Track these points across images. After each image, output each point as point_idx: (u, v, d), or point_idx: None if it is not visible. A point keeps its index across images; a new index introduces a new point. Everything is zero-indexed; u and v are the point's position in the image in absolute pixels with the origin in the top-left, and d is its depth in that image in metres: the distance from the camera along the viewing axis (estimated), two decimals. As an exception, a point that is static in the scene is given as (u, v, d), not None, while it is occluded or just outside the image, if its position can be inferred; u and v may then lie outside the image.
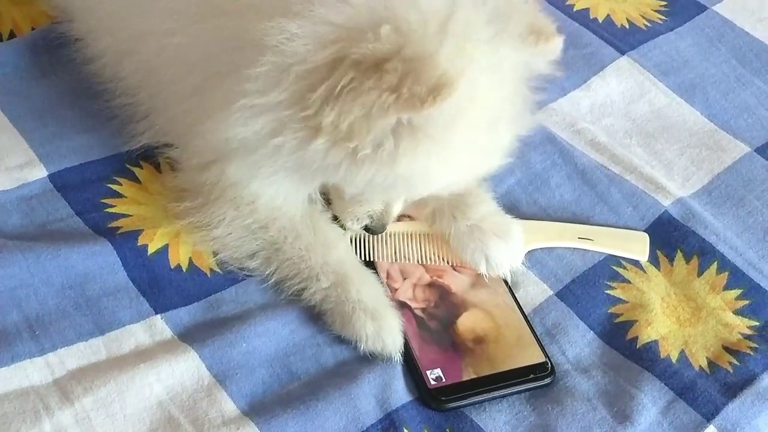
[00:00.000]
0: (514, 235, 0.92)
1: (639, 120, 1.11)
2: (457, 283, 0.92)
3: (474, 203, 0.92)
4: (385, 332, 0.84)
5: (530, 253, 0.96)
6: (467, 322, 0.88)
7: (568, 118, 1.09)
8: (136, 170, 0.97)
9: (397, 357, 0.84)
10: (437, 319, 0.89)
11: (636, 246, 0.96)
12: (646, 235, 0.95)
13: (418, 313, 0.89)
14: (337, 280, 0.87)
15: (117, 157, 0.97)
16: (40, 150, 0.96)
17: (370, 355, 0.84)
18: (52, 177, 0.94)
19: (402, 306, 0.89)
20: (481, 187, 0.94)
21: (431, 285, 0.92)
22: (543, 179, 1.02)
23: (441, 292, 0.91)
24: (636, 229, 1.00)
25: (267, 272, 0.88)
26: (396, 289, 0.90)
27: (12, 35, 1.09)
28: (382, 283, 0.90)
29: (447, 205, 0.92)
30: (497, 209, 0.94)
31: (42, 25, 1.09)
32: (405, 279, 0.92)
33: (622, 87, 1.14)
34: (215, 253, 0.89)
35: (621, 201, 1.02)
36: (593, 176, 1.03)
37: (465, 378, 0.85)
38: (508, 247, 0.91)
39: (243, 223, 0.87)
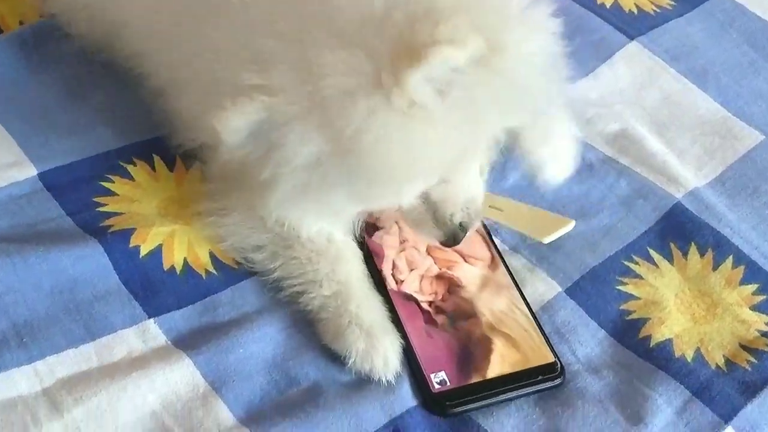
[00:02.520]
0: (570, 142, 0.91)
1: (650, 108, 1.07)
2: (467, 276, 0.88)
3: (551, 119, 0.91)
4: (377, 352, 0.80)
5: (538, 248, 0.94)
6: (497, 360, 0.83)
7: (576, 106, 1.03)
8: (130, 168, 0.95)
9: (387, 381, 0.80)
10: (445, 313, 0.85)
11: (543, 228, 0.89)
12: (572, 222, 0.90)
13: (425, 306, 0.86)
14: (340, 292, 0.83)
15: (109, 156, 0.94)
16: (29, 149, 0.93)
17: (357, 374, 0.80)
18: (42, 176, 0.92)
19: (407, 299, 0.86)
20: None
21: (440, 277, 0.88)
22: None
23: (450, 285, 0.88)
24: (647, 222, 0.96)
25: (270, 267, 0.85)
26: (402, 281, 0.87)
27: (-1, 30, 1.06)
28: (387, 308, 0.86)
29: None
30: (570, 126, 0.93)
31: (30, 19, 1.07)
32: (412, 270, 0.88)
33: (632, 73, 1.10)
34: (221, 240, 0.86)
35: (631, 194, 0.98)
36: (601, 169, 1.00)
37: (471, 381, 0.81)
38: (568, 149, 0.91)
39: (259, 213, 0.84)
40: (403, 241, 0.90)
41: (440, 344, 0.84)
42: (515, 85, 0.74)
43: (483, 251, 0.92)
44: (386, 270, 0.88)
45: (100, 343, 0.79)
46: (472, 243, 0.91)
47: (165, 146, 0.95)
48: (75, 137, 0.95)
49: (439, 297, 0.87)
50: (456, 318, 0.86)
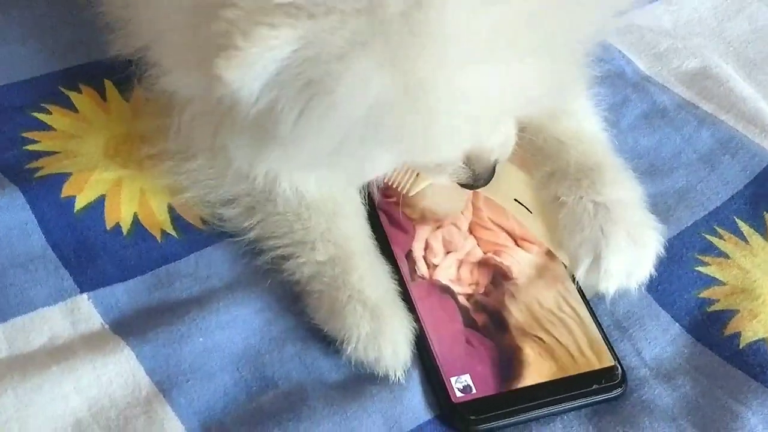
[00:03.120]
0: (649, 245, 0.75)
1: (736, 42, 0.99)
2: (519, 264, 0.76)
3: (612, 181, 0.75)
4: (385, 338, 0.68)
5: None
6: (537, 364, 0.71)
7: (645, 38, 0.97)
8: (73, 95, 0.82)
9: (398, 375, 0.68)
10: (487, 311, 0.73)
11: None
12: None
13: (462, 301, 0.74)
14: (338, 257, 0.71)
15: (48, 78, 0.84)
16: None
17: (357, 365, 0.69)
18: None
19: (442, 290, 0.74)
20: (622, 168, 0.79)
21: (484, 263, 0.77)
22: (611, 120, 0.87)
23: (495, 275, 0.76)
24: (735, 185, 0.85)
25: (245, 225, 0.73)
26: (436, 266, 0.76)
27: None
28: (398, 278, 0.73)
29: (574, 168, 0.76)
30: (640, 201, 0.77)
31: None
32: (449, 253, 0.77)
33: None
34: (181, 191, 0.74)
35: (715, 148, 0.88)
36: (677, 116, 0.90)
37: (504, 389, 0.69)
38: (633, 257, 0.73)
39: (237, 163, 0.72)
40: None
41: (478, 349, 0.71)
42: None
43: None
44: (417, 252, 0.76)
45: (12, 326, 0.68)
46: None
47: (123, 68, 0.81)
48: (5, 52, 0.84)
49: (481, 290, 0.75)
50: (502, 320, 0.74)
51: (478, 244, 0.77)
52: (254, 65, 0.55)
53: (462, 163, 0.70)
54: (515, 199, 0.78)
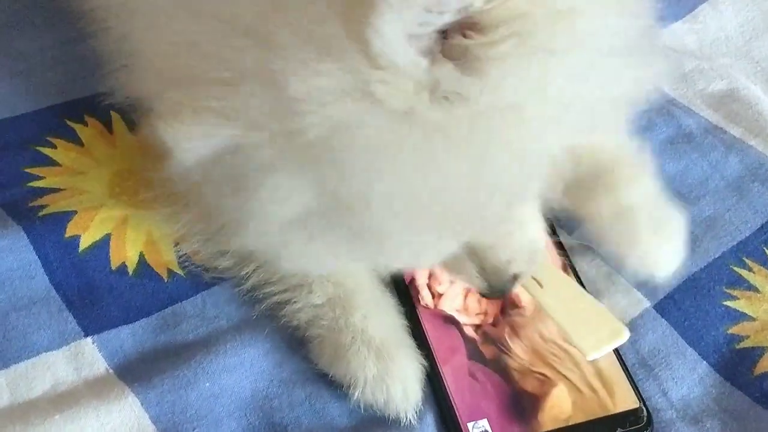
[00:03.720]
0: (676, 232, 0.74)
1: (765, 61, 0.96)
2: (527, 294, 0.72)
3: (628, 178, 0.74)
4: (393, 379, 0.65)
5: None
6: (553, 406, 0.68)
7: (669, 57, 0.92)
8: (79, 128, 0.80)
9: (409, 417, 0.65)
10: (495, 343, 0.71)
11: (588, 332, 0.69)
12: (626, 334, 0.70)
13: (469, 333, 0.71)
14: (337, 296, 0.68)
15: (52, 111, 0.82)
16: None
17: (367, 409, 0.66)
18: None
19: (446, 321, 0.72)
20: (637, 158, 0.76)
21: None
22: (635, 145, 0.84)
23: (504, 304, 0.73)
24: (765, 214, 0.81)
25: (241, 274, 0.70)
26: (441, 295, 0.73)
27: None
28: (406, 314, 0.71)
29: (588, 176, 0.73)
30: (658, 190, 0.76)
31: None
32: (453, 282, 0.73)
33: (741, 17, 1.00)
34: (180, 240, 0.72)
35: (744, 174, 0.85)
36: (704, 141, 0.87)
37: None
38: (666, 249, 0.73)
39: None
40: None
41: (484, 384, 0.69)
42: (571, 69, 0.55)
43: (549, 254, 0.75)
44: (420, 279, 0.73)
45: (14, 372, 0.66)
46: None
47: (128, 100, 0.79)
48: (9, 86, 0.82)
49: (489, 320, 0.72)
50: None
51: None
52: (190, 142, 0.55)
53: (475, 271, 0.66)
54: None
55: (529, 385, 0.68)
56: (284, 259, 0.64)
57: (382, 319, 0.68)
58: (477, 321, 0.71)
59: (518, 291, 0.71)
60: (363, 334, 0.66)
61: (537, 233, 0.69)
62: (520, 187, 0.59)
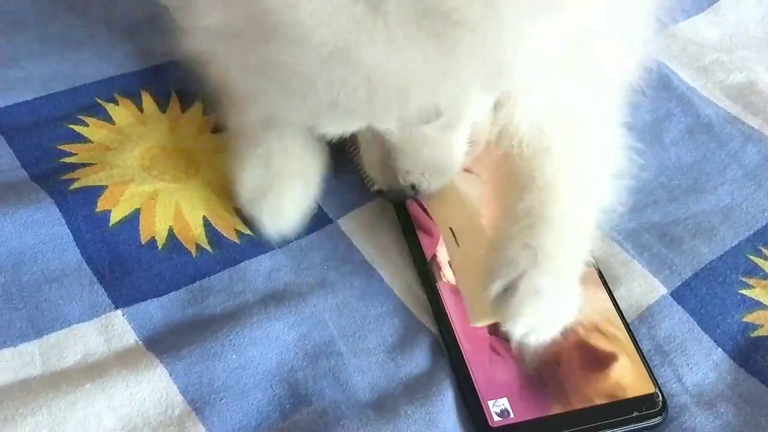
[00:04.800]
0: (563, 309, 0.68)
1: None
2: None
3: (556, 237, 0.69)
4: (273, 195, 0.71)
5: (636, 232, 0.78)
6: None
7: (689, 50, 0.94)
8: (110, 107, 0.80)
9: (275, 241, 0.72)
10: None
11: (484, 303, 0.68)
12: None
13: None
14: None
15: (85, 91, 0.82)
16: None
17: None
18: None
19: None
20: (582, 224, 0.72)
21: None
22: (654, 134, 0.86)
23: None
24: None
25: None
26: None
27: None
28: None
29: (523, 212, 0.70)
30: (582, 258, 0.71)
31: None
32: None
33: (762, 9, 1.00)
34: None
35: (762, 164, 0.85)
36: (723, 131, 0.87)
37: (541, 414, 0.66)
38: (546, 312, 0.67)
39: None
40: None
41: (506, 363, 0.68)
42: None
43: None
44: (441, 256, 0.73)
45: (47, 342, 0.66)
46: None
47: (160, 80, 0.81)
48: (42, 64, 0.82)
49: None
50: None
51: None
52: None
53: (378, 162, 0.69)
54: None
55: (547, 366, 0.67)
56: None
57: (300, 153, 0.71)
58: None
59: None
60: (272, 148, 0.71)
61: (453, 162, 0.70)
62: (436, 96, 0.60)
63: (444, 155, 0.70)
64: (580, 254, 0.70)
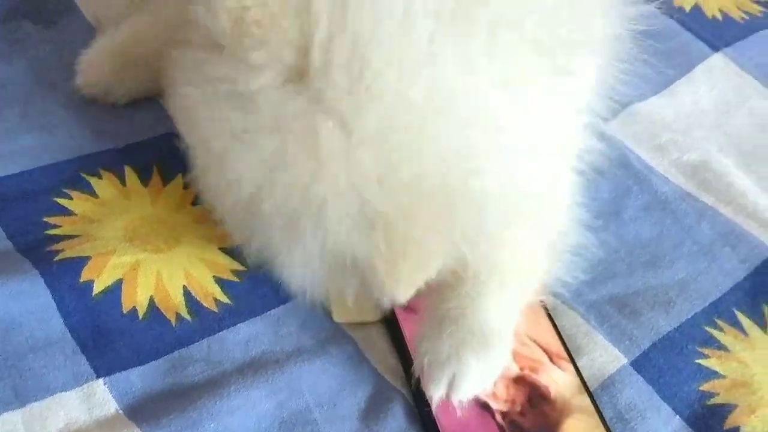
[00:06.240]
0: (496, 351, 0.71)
1: (737, 135, 0.98)
2: (557, 385, 0.72)
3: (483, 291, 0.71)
4: None
5: (597, 303, 0.80)
6: None
7: (647, 129, 0.95)
8: (94, 180, 0.81)
9: None
10: (524, 431, 0.70)
11: (348, 305, 0.73)
12: (376, 316, 0.74)
13: (499, 419, 0.70)
14: None
15: (70, 165, 0.82)
16: None
17: None
18: None
19: (481, 407, 0.70)
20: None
21: (520, 380, 0.73)
22: (613, 211, 0.87)
23: (532, 394, 0.72)
24: (734, 277, 0.84)
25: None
26: None
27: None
28: None
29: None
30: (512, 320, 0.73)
31: None
32: None
33: (715, 92, 1.02)
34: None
35: (715, 239, 0.87)
36: (679, 207, 0.89)
37: None
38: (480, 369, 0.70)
39: None
40: None
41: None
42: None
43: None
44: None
45: (30, 410, 0.66)
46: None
47: (142, 154, 0.83)
48: (29, 138, 0.83)
49: (517, 407, 0.71)
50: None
51: (513, 359, 0.72)
52: None
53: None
54: None
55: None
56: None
57: None
58: (505, 408, 0.70)
59: (548, 383, 0.71)
60: None
61: None
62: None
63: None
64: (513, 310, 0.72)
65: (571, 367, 0.73)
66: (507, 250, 0.71)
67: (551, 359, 0.73)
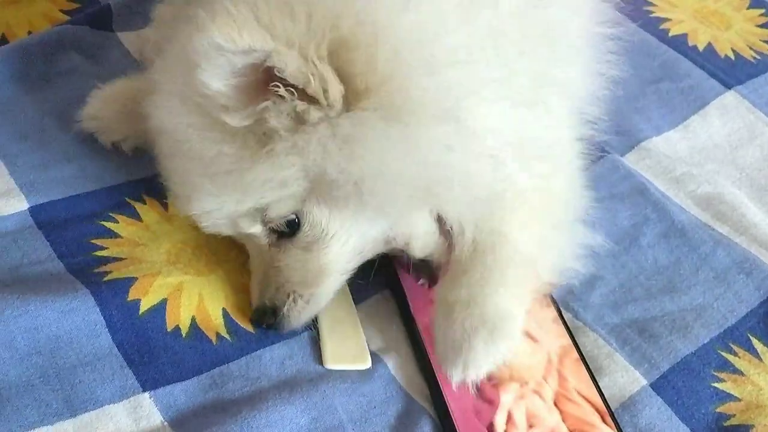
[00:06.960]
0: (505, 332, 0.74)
1: (749, 168, 0.99)
2: None
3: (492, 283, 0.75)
4: None
5: (618, 327, 0.82)
6: None
7: (663, 163, 0.97)
8: (138, 206, 0.84)
9: None
10: None
11: (339, 351, 0.77)
12: (368, 364, 0.77)
13: None
14: None
15: (115, 191, 0.86)
16: (22, 178, 0.85)
17: None
18: (33, 210, 0.83)
19: None
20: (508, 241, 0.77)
21: None
22: (632, 237, 0.89)
23: None
24: (749, 304, 0.85)
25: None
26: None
27: (4, 40, 0.97)
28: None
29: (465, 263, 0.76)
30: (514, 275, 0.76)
31: (40, 29, 0.97)
32: (531, 427, 0.73)
33: (728, 128, 1.02)
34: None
35: (731, 267, 0.88)
36: (695, 236, 0.90)
37: None
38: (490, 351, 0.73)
39: None
40: (523, 384, 0.75)
41: None
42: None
43: (557, 332, 0.79)
44: (499, 422, 0.73)
45: (81, 421, 0.69)
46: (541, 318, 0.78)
47: None
48: (76, 166, 0.87)
49: None
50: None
51: (563, 419, 0.73)
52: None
53: None
54: None
55: None
56: None
57: None
58: None
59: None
60: None
61: (324, 278, 0.75)
62: None
63: (313, 271, 0.75)
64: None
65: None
66: (512, 239, 0.75)
67: (602, 419, 0.74)
